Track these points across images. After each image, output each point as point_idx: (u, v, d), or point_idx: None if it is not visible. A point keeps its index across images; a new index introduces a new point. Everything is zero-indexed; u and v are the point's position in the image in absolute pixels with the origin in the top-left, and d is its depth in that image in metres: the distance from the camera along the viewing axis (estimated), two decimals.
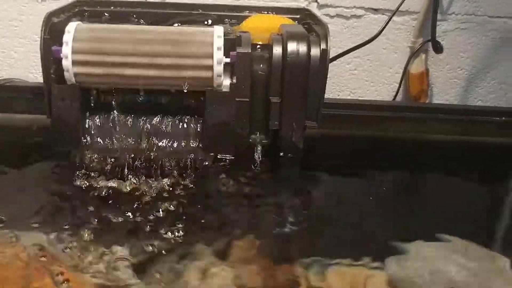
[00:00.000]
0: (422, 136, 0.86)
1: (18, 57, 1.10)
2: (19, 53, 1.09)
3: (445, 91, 1.14)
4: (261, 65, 0.76)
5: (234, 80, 0.74)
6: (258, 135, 0.78)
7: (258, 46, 0.77)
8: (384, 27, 1.02)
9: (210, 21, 0.85)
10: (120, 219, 0.64)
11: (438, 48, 1.05)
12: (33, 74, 1.11)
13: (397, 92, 1.11)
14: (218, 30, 0.73)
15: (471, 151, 0.86)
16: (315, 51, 0.74)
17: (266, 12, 0.88)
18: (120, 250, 0.59)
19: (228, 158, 0.77)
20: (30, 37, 1.08)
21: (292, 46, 0.74)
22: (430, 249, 0.63)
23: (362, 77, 1.12)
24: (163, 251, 0.59)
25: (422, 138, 0.86)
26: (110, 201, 0.68)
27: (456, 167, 0.82)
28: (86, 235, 0.61)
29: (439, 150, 0.85)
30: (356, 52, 1.07)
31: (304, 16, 0.87)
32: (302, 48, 0.74)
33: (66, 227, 0.63)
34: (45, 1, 1.06)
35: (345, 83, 1.13)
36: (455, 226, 0.68)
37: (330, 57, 0.76)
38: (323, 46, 0.74)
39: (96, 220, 0.64)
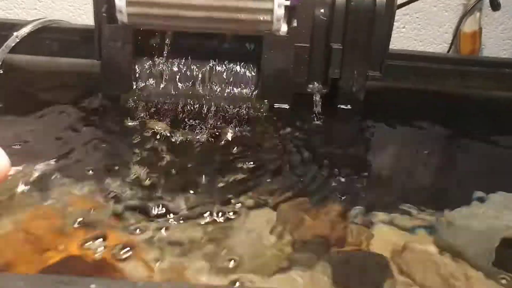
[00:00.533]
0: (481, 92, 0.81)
1: (55, 7, 1.05)
2: (56, 2, 1.05)
3: (496, 53, 1.09)
4: (323, 10, 0.72)
5: (295, 24, 0.70)
6: (316, 84, 0.74)
7: None
8: None
9: None
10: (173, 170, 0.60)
11: (495, 5, 1.00)
12: (73, 14, 1.06)
13: (448, 52, 1.06)
14: None
15: None
16: None
17: None
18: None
19: (284, 107, 0.73)
20: None
21: None
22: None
23: (410, 36, 1.08)
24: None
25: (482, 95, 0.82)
26: (163, 148, 0.64)
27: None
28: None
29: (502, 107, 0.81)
30: (406, 9, 1.02)
31: None
32: None
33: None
34: None
35: (393, 41, 1.06)
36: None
37: None
38: None
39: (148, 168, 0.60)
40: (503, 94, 0.83)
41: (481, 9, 1.04)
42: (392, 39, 1.07)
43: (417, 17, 1.06)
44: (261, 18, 0.69)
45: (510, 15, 1.06)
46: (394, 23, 1.06)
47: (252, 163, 0.61)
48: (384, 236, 0.52)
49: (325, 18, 0.72)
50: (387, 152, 0.72)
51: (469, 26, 1.04)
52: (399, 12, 1.02)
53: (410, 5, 1.00)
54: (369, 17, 0.70)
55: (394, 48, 0.82)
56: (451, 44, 1.06)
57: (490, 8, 1.02)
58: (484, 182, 0.63)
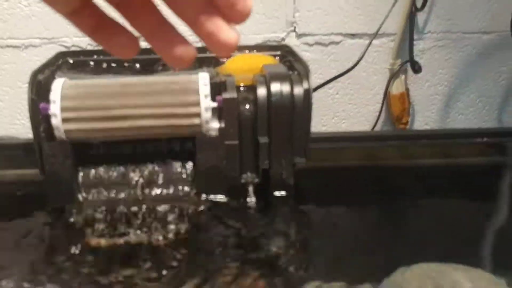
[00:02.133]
0: (407, 162, 0.88)
1: (4, 106, 1.10)
2: (5, 102, 1.10)
3: (426, 108, 1.17)
4: (248, 107, 0.78)
5: (223, 125, 0.76)
6: (249, 175, 0.79)
7: (243, 88, 0.79)
8: (364, 53, 1.04)
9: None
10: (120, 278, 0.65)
11: (416, 69, 1.08)
12: (20, 120, 1.11)
13: (379, 113, 1.13)
14: (204, 78, 0.75)
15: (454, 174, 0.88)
16: (298, 90, 0.76)
17: (247, 51, 0.90)
18: None
19: (221, 200, 0.78)
20: (15, 84, 1.09)
21: (275, 87, 0.76)
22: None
23: (344, 101, 1.15)
24: None
25: (407, 164, 0.88)
26: (108, 257, 0.68)
27: (442, 191, 0.85)
28: None
29: (424, 175, 0.87)
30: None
31: (284, 53, 0.89)
32: (285, 88, 0.76)
33: None
34: (27, 48, 1.07)
35: (328, 107, 1.15)
36: (444, 251, 0.70)
37: (314, 86, 0.78)
38: (305, 85, 0.76)
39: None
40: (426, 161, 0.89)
41: (406, 70, 1.12)
42: (327, 105, 1.15)
43: (349, 83, 1.13)
44: (190, 122, 0.74)
45: (433, 73, 1.14)
46: (329, 91, 1.14)
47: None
48: None
49: (250, 114, 0.77)
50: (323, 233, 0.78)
51: (396, 89, 1.11)
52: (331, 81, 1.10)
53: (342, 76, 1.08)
54: (289, 110, 0.76)
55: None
56: (382, 105, 1.13)
57: None
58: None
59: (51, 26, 1.06)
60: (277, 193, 0.80)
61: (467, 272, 0.65)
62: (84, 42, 1.05)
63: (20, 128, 1.10)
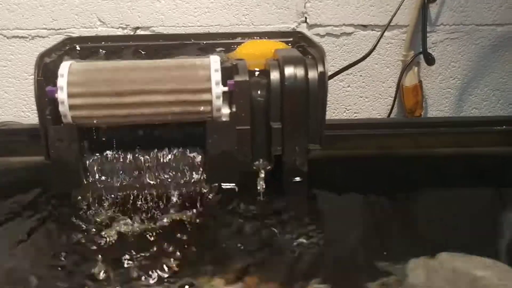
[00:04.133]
0: (421, 150, 0.85)
1: (9, 97, 1.08)
2: (10, 93, 1.08)
3: (439, 101, 1.14)
4: (260, 92, 0.75)
5: (234, 109, 0.73)
6: (261, 161, 0.77)
7: (255, 73, 0.76)
8: (377, 43, 1.02)
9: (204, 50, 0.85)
10: (128, 262, 0.62)
11: (430, 60, 1.06)
12: (25, 113, 1.09)
13: (392, 106, 1.11)
14: (215, 62, 0.72)
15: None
16: (312, 74, 0.74)
17: (258, 38, 0.88)
18: None
19: (232, 187, 0.76)
20: (21, 76, 1.07)
21: (289, 71, 0.74)
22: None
23: (356, 94, 1.12)
24: None
25: (422, 153, 0.86)
26: (116, 243, 0.66)
27: (455, 180, 0.82)
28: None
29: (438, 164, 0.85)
30: (349, 69, 1.07)
31: (297, 39, 0.87)
32: (300, 72, 0.74)
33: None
34: (34, 39, 1.05)
35: (340, 101, 1.12)
36: (458, 241, 0.68)
37: None
38: (320, 68, 0.74)
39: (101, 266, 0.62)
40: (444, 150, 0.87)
41: (419, 62, 1.10)
42: (339, 98, 1.13)
43: (361, 76, 1.11)
44: (201, 109, 0.72)
45: (446, 67, 1.11)
46: (340, 83, 1.11)
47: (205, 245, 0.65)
48: None
49: (262, 99, 0.75)
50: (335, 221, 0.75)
51: (409, 81, 1.09)
52: (343, 73, 1.07)
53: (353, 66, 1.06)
54: (303, 95, 0.74)
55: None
56: (395, 98, 1.11)
57: None
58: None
59: (59, 17, 1.04)
60: (290, 181, 0.77)
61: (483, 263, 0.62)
62: (91, 33, 1.04)
63: (25, 120, 1.08)
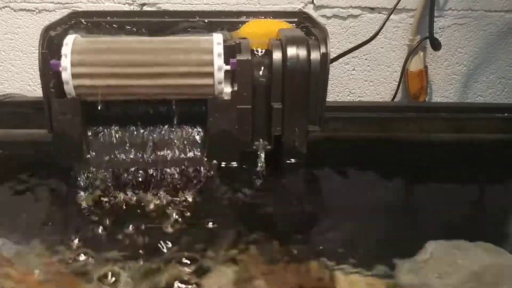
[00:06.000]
0: (424, 135, 0.85)
1: (15, 70, 1.09)
2: (16, 66, 1.09)
3: (444, 88, 1.14)
4: (262, 71, 0.75)
5: (235, 88, 0.74)
6: (261, 141, 0.77)
7: (258, 52, 0.77)
8: (382, 26, 1.01)
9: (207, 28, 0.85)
10: (127, 234, 0.64)
11: (436, 45, 1.05)
12: (31, 86, 1.10)
13: (396, 91, 1.11)
14: (218, 37, 0.73)
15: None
16: (315, 55, 0.74)
17: (263, 17, 0.88)
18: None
19: (232, 165, 0.77)
20: (27, 49, 1.08)
21: (291, 51, 0.74)
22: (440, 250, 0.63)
23: (360, 77, 1.12)
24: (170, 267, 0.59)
25: (425, 138, 0.86)
26: (116, 216, 0.67)
27: (459, 166, 0.82)
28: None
29: (441, 149, 0.85)
30: (354, 52, 1.06)
31: (302, 20, 0.87)
32: (302, 52, 0.74)
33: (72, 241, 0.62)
34: (41, 13, 1.05)
35: (344, 84, 1.12)
36: (460, 228, 0.68)
37: (331, 57, 0.75)
38: (323, 50, 0.74)
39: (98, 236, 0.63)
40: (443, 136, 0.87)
41: (425, 47, 1.09)
42: (343, 81, 1.13)
43: (366, 59, 1.11)
44: (203, 83, 0.73)
45: (452, 52, 1.11)
46: (345, 66, 1.11)
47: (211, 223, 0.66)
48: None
49: (264, 79, 0.75)
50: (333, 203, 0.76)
51: (414, 65, 1.08)
52: (348, 56, 1.07)
53: (358, 48, 1.05)
54: (305, 76, 0.74)
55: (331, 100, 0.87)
56: (399, 82, 1.10)
57: None
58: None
59: None
60: (288, 161, 0.78)
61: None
62: (98, 8, 1.04)
63: (31, 94, 1.09)
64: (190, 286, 0.56)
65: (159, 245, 0.62)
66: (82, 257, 0.59)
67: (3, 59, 1.08)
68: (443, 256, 0.61)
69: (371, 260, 0.59)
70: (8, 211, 0.70)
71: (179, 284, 0.56)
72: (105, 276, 0.57)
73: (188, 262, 0.59)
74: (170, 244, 0.62)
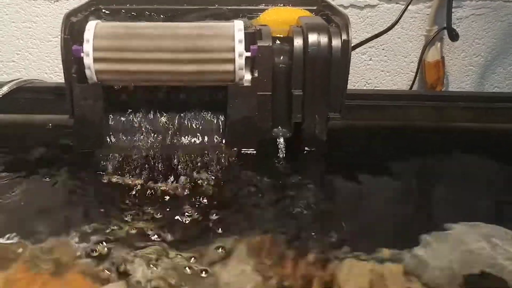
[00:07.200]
0: (444, 124, 0.85)
1: (33, 59, 1.10)
2: (34, 55, 1.09)
3: (460, 79, 1.13)
4: (282, 58, 0.75)
5: (256, 74, 0.74)
6: (280, 128, 0.77)
7: (278, 39, 0.76)
8: (401, 16, 1.01)
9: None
10: (146, 218, 0.64)
11: (454, 36, 1.04)
12: (48, 74, 1.11)
13: (413, 82, 1.10)
14: (238, 24, 0.73)
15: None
16: (336, 42, 0.74)
17: (282, 5, 0.88)
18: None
19: (251, 152, 0.77)
20: (45, 38, 1.08)
21: (313, 38, 0.74)
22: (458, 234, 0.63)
23: (377, 67, 1.12)
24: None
25: (444, 127, 0.86)
26: (136, 200, 0.67)
27: (476, 155, 0.82)
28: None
29: (459, 138, 0.85)
30: (371, 42, 1.06)
31: (321, 7, 0.87)
32: (323, 39, 0.74)
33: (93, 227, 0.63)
34: (58, 1, 1.06)
35: (361, 74, 1.12)
36: (477, 213, 0.68)
37: None
38: (344, 36, 0.74)
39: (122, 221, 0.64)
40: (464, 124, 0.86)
41: (442, 38, 1.09)
42: (360, 71, 1.13)
43: (383, 49, 1.10)
44: (224, 69, 0.73)
45: (470, 43, 1.10)
46: (362, 56, 1.11)
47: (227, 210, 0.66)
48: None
49: (285, 66, 0.75)
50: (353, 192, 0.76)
51: (431, 56, 1.08)
52: (365, 46, 1.07)
53: (375, 38, 1.05)
54: (326, 63, 0.74)
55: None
56: (416, 73, 1.10)
57: None
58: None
59: None
60: (308, 149, 0.78)
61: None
62: None
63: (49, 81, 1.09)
64: (204, 274, 0.56)
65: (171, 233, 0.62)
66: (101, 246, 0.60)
67: (21, 47, 1.09)
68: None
69: (382, 245, 0.60)
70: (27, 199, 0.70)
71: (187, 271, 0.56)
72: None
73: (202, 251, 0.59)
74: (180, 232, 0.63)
